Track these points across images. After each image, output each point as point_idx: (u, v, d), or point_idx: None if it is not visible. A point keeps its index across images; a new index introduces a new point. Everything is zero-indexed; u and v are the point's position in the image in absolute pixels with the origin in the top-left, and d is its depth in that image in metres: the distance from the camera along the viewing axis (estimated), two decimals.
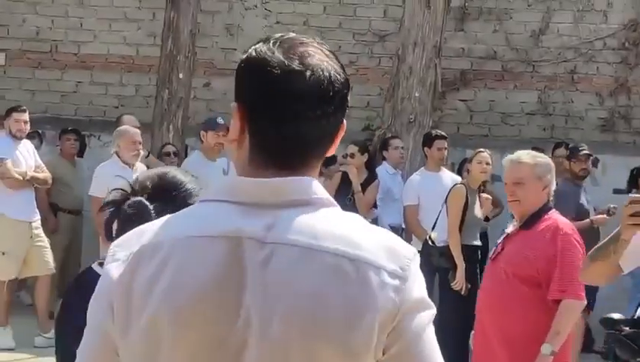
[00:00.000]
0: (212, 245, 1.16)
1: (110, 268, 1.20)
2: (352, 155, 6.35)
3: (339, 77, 1.18)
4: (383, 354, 1.15)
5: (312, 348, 1.13)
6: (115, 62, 8.76)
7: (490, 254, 3.37)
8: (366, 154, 6.41)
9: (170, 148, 6.88)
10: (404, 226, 6.38)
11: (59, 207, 7.06)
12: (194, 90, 8.13)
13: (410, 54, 7.27)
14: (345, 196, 6.14)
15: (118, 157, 5.64)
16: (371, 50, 8.71)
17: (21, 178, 6.10)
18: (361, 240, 1.16)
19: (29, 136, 6.57)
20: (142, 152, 5.77)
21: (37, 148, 6.69)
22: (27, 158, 6.26)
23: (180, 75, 7.57)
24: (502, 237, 3.40)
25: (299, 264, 1.14)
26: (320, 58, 1.18)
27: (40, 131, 7.53)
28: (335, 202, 1.21)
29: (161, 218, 1.25)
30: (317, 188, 1.20)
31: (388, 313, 1.14)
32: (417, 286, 1.18)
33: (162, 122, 7.50)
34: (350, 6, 8.73)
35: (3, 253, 5.99)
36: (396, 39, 7.84)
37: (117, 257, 1.20)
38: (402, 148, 6.68)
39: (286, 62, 1.15)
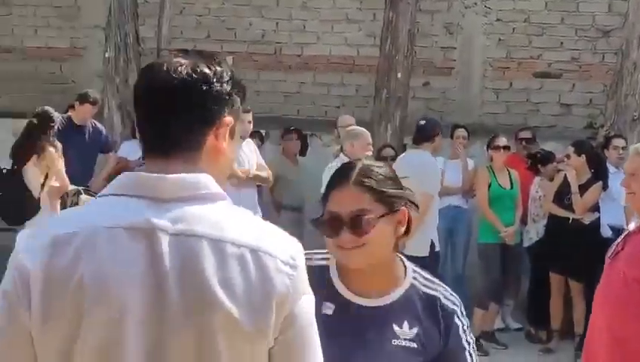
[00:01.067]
0: (127, 236, 1.39)
1: (23, 258, 1.41)
2: (568, 156, 6.73)
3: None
4: (275, 339, 1.41)
5: (221, 330, 1.38)
6: (336, 62, 9.69)
7: (609, 253, 3.28)
8: (583, 156, 6.65)
9: (388, 152, 7.09)
10: (625, 227, 6.62)
11: (282, 204, 7.62)
12: (412, 89, 8.75)
13: (635, 50, 7.60)
14: (565, 196, 6.58)
15: (346, 156, 5.92)
16: (594, 46, 9.07)
17: (244, 176, 6.42)
18: (257, 232, 1.45)
19: (250, 135, 6.99)
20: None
21: (258, 147, 7.14)
22: (250, 157, 6.68)
23: (399, 75, 8.23)
24: (622, 235, 3.33)
25: (207, 254, 1.39)
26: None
27: (262, 131, 8.31)
28: (226, 195, 1.48)
29: (70, 209, 1.53)
30: (211, 181, 1.47)
31: (283, 297, 1.42)
32: (305, 277, 1.48)
33: (380, 122, 8.19)
34: (572, 2, 9.10)
35: None
36: (620, 34, 8.19)
37: (30, 247, 1.42)
38: (622, 148, 6.86)
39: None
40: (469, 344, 2.06)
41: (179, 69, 1.48)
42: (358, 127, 6.69)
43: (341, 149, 6.36)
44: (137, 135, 1.67)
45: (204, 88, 1.49)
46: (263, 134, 8.38)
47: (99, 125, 7.78)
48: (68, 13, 10.14)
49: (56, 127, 6.38)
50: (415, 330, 2.00)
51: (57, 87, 9.93)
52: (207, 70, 1.50)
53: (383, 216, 1.99)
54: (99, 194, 1.53)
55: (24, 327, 1.40)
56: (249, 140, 6.87)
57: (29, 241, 1.44)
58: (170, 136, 1.47)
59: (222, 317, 1.39)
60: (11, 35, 10.25)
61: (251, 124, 6.79)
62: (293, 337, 1.45)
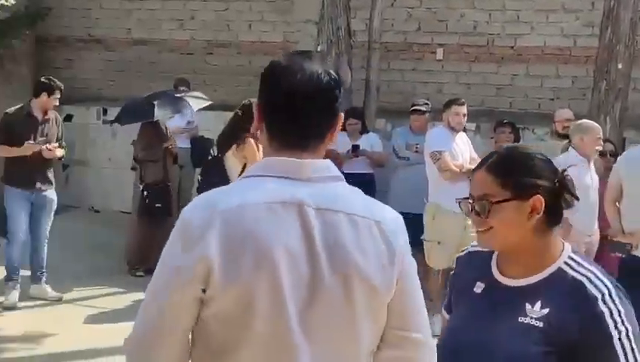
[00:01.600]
0: (285, 209, 1.81)
1: (199, 234, 1.78)
2: None
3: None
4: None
5: (359, 290, 1.83)
6: (551, 54, 9.69)
7: None
8: None
9: (607, 147, 6.96)
10: None
11: None
12: (634, 80, 8.66)
13: None
14: None
15: (575, 150, 6.14)
16: None
17: (457, 170, 6.71)
18: (374, 207, 1.92)
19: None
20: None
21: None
22: (463, 150, 6.94)
23: (619, 65, 8.16)
24: None
25: (345, 226, 1.82)
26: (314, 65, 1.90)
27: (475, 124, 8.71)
28: (343, 176, 1.92)
29: (226, 186, 1.89)
30: (334, 167, 1.92)
31: (399, 256, 1.89)
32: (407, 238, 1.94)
33: (599, 114, 8.09)
34: None
35: (438, 243, 6.74)
36: None
37: (201, 221, 1.79)
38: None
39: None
40: (619, 332, 2.00)
41: (315, 76, 1.86)
42: (588, 121, 6.70)
43: (569, 143, 6.37)
44: (272, 128, 1.93)
45: (333, 95, 1.89)
46: (473, 128, 8.56)
47: None
48: (282, 8, 10.80)
49: None
50: (546, 311, 2.08)
51: None
52: (333, 78, 1.89)
53: (504, 201, 2.13)
54: (245, 174, 1.92)
55: (197, 296, 1.80)
56: (462, 133, 7.10)
57: (200, 219, 1.81)
58: (306, 133, 1.88)
59: (362, 280, 1.84)
60: (227, 30, 11.07)
61: (465, 117, 7.05)
62: (405, 285, 1.92)
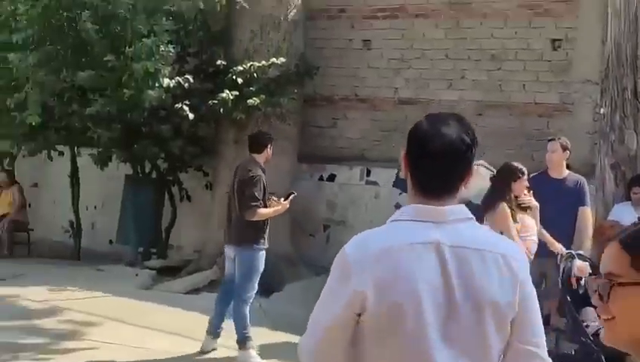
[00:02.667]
0: (425, 248, 2.20)
1: (356, 267, 2.20)
2: None
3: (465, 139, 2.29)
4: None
5: (488, 313, 2.19)
6: None
7: None
8: None
9: None
10: None
11: None
12: None
13: None
14: None
15: None
16: None
17: None
18: (499, 241, 2.33)
19: None
20: None
21: None
22: None
23: None
24: None
25: (477, 261, 2.16)
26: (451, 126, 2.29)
27: None
28: (472, 216, 2.30)
29: (379, 228, 2.29)
30: (466, 209, 2.29)
31: (521, 281, 2.24)
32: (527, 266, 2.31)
33: None
34: None
35: None
36: None
37: (357, 257, 2.22)
38: None
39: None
40: None
41: (452, 142, 2.26)
42: None
43: None
44: (418, 181, 2.35)
45: (466, 155, 2.29)
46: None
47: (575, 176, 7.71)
48: (558, 67, 10.17)
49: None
50: None
51: (541, 144, 10.00)
52: (466, 143, 2.29)
53: (633, 284, 1.70)
54: (393, 218, 2.33)
55: (354, 313, 2.21)
56: None
57: (356, 255, 2.25)
58: (443, 185, 2.28)
59: (489, 306, 2.20)
60: (499, 91, 10.58)
61: None
62: (526, 304, 2.27)
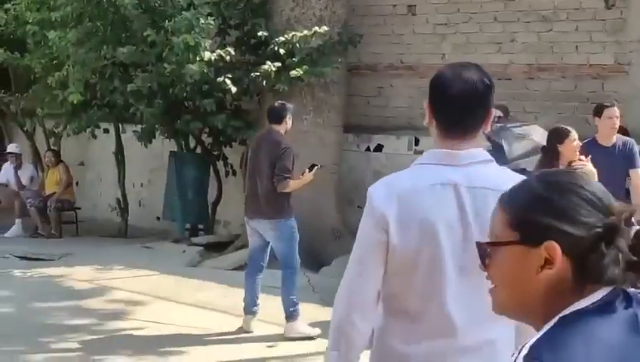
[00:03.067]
0: (444, 189, 2.37)
1: (381, 206, 2.39)
2: None
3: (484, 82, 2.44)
4: None
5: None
6: None
7: None
8: None
9: None
10: None
11: None
12: None
13: None
14: None
15: None
16: None
17: None
18: (514, 181, 1.84)
19: None
20: None
21: None
22: None
23: None
24: None
25: (492, 200, 1.83)
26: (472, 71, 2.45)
27: None
28: (492, 158, 2.48)
29: (402, 172, 2.47)
30: (485, 152, 2.48)
31: None
32: None
33: None
34: None
35: None
36: None
37: (382, 197, 2.41)
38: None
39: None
40: None
41: (473, 84, 2.40)
42: None
43: None
44: (439, 123, 2.51)
45: (486, 97, 2.44)
46: None
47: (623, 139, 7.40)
48: (613, 27, 9.78)
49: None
50: None
51: None
52: (486, 84, 2.43)
53: (505, 244, 1.57)
54: (416, 162, 2.51)
55: (384, 248, 2.41)
56: None
57: (381, 195, 2.43)
58: (467, 126, 2.43)
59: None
60: (550, 53, 10.22)
61: None
62: None
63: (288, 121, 7.44)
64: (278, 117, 7.41)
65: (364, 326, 2.51)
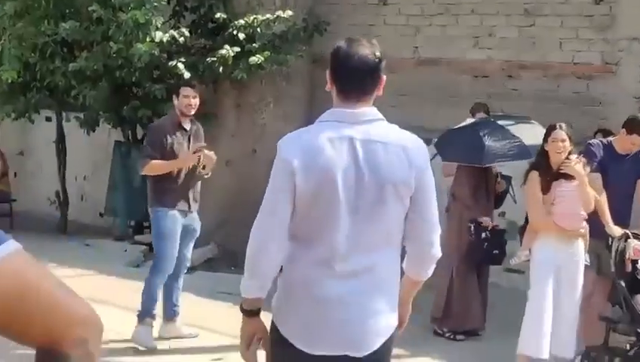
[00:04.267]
0: (341, 142, 2.89)
1: (288, 156, 2.89)
2: None
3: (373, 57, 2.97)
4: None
5: (389, 190, 2.90)
6: None
7: None
8: None
9: None
10: None
11: None
12: None
13: None
14: None
15: None
16: None
17: None
18: (403, 136, 2.97)
19: None
20: None
21: None
22: None
23: None
24: None
25: (381, 151, 2.88)
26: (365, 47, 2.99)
27: None
28: (383, 117, 3.01)
29: (307, 127, 3.01)
30: (376, 111, 3.01)
31: (418, 168, 2.93)
32: (427, 158, 3.02)
33: None
34: None
35: None
36: None
37: (289, 149, 2.91)
38: None
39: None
40: None
41: (366, 57, 2.95)
42: None
43: None
44: (338, 88, 2.99)
45: (377, 67, 2.99)
46: None
47: None
48: (601, 23, 9.11)
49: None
50: None
51: (581, 109, 9.03)
52: (377, 57, 2.98)
53: None
54: (319, 120, 3.01)
55: (292, 190, 2.90)
56: None
57: (288, 147, 2.93)
58: (360, 92, 2.96)
59: (390, 185, 2.91)
60: (532, 50, 9.54)
61: None
62: (422, 186, 2.95)
63: (178, 100, 6.56)
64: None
65: (277, 254, 2.95)
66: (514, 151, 7.24)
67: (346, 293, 2.93)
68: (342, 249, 2.91)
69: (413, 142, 2.97)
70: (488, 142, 7.12)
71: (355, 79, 2.95)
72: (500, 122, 7.69)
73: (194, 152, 6.48)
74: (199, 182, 6.66)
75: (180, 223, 6.50)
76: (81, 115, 10.31)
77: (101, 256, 9.47)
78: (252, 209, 8.97)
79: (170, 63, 9.22)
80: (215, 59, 9.27)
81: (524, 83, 9.57)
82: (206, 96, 10.21)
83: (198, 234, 6.73)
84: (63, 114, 11.58)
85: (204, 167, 6.55)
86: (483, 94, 9.63)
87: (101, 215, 12.20)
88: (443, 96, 10.04)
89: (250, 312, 3.05)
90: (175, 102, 6.53)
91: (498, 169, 7.73)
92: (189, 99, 6.49)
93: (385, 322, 2.99)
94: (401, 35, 10.36)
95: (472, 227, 7.25)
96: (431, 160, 8.05)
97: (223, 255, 9.54)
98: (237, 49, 9.20)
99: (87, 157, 12.33)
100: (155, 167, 6.38)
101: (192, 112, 6.51)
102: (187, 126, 6.56)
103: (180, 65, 9.22)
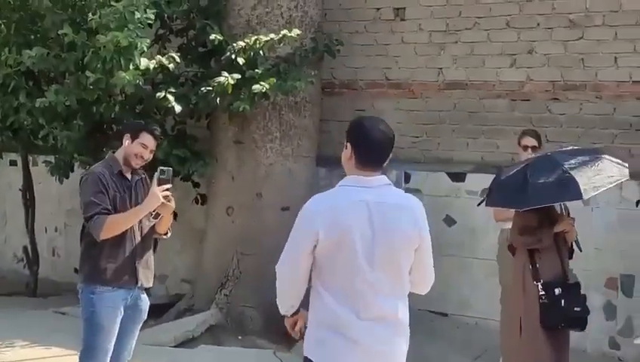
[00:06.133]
0: (359, 204, 3.34)
1: (314, 214, 3.35)
2: None
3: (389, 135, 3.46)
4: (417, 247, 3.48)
5: (398, 243, 3.40)
6: None
7: None
8: None
9: None
10: None
11: None
12: None
13: None
14: None
15: None
16: None
17: None
18: (409, 200, 3.50)
19: None
20: None
21: None
22: None
23: None
24: None
25: (394, 212, 3.38)
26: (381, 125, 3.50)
27: None
28: (391, 183, 3.48)
29: (329, 191, 3.43)
30: (385, 178, 3.47)
31: (420, 225, 3.47)
32: (424, 217, 3.50)
33: None
34: None
35: None
36: None
37: (316, 208, 3.37)
38: None
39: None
40: None
41: (383, 133, 3.43)
42: None
43: None
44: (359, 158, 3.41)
45: (390, 142, 3.47)
46: None
47: None
48: None
49: None
50: None
51: None
52: (391, 133, 3.47)
53: None
54: (340, 184, 3.44)
55: (313, 243, 3.34)
56: None
57: (315, 205, 3.39)
58: (375, 162, 3.43)
59: (400, 237, 3.39)
60: (581, 68, 8.20)
61: None
62: (423, 240, 3.47)
63: (127, 143, 5.00)
64: (119, 136, 5.21)
65: (299, 291, 3.47)
66: (562, 190, 5.76)
67: (371, 340, 3.39)
68: (363, 295, 3.38)
69: (416, 203, 3.52)
70: (533, 180, 5.67)
71: (375, 152, 3.44)
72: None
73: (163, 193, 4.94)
74: (151, 249, 5.10)
75: (121, 308, 4.95)
76: (52, 159, 8.81)
77: (80, 328, 7.93)
78: (259, 263, 7.52)
79: (157, 95, 7.77)
80: (211, 88, 7.83)
81: (571, 106, 8.23)
82: (200, 133, 8.86)
83: (145, 316, 5.13)
84: (30, 157, 10.10)
85: (156, 216, 5.02)
86: (523, 121, 8.31)
87: (76, 271, 10.67)
88: (474, 124, 8.70)
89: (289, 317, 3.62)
90: (126, 144, 4.97)
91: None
92: (146, 152, 5.00)
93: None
94: (422, 55, 9.01)
95: (540, 286, 5.85)
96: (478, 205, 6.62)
97: (228, 321, 8.06)
98: (237, 76, 7.77)
99: (59, 207, 10.84)
100: (118, 222, 4.82)
101: (138, 167, 5.04)
102: (129, 176, 5.04)
103: (170, 97, 7.77)
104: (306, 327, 3.53)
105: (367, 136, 3.41)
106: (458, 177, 8.60)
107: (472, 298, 8.44)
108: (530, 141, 6.96)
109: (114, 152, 5.10)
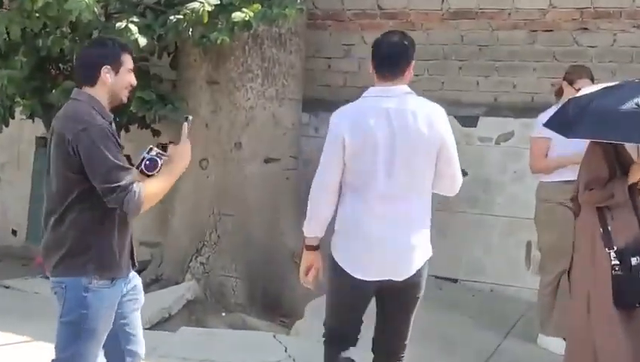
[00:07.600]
0: (380, 111, 3.87)
1: (340, 122, 3.89)
2: None
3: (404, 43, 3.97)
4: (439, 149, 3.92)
5: (417, 147, 3.86)
6: None
7: None
8: None
9: None
10: None
11: None
12: None
13: None
14: None
15: None
16: None
17: None
18: (427, 105, 3.93)
19: None
20: None
21: None
22: None
23: None
24: None
25: (411, 117, 3.84)
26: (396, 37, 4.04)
27: None
28: (413, 92, 3.95)
29: (354, 102, 3.97)
30: (406, 87, 3.95)
31: (442, 129, 3.91)
32: (447, 120, 3.98)
33: None
34: None
35: None
36: None
37: (340, 119, 3.91)
38: None
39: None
40: None
41: (396, 44, 3.92)
42: None
43: None
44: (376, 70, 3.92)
45: (406, 52, 3.92)
46: None
47: None
48: None
49: None
50: None
51: None
52: (406, 44, 3.93)
53: None
54: (363, 95, 3.94)
55: (342, 151, 3.84)
56: None
57: (340, 117, 3.89)
58: (392, 73, 3.88)
59: (419, 139, 3.80)
60: None
61: None
62: (445, 144, 3.86)
63: (107, 76, 3.67)
64: (88, 70, 3.77)
65: (331, 205, 3.93)
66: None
67: (385, 231, 3.86)
68: (381, 194, 3.84)
69: (435, 107, 3.92)
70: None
71: (386, 62, 3.91)
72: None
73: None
74: None
75: (117, 304, 3.77)
76: None
77: (27, 305, 6.69)
78: (239, 225, 6.22)
79: (117, 25, 6.44)
80: (182, 16, 6.52)
81: (604, 37, 7.18)
82: (165, 71, 7.61)
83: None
84: None
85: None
86: (545, 55, 7.25)
87: (14, 233, 9.42)
88: (486, 60, 7.60)
89: (310, 247, 4.02)
90: (110, 80, 3.68)
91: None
92: (133, 77, 3.77)
93: (417, 254, 3.92)
94: None
95: (613, 254, 4.76)
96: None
97: (207, 294, 6.89)
98: (214, 1, 6.47)
99: None
100: (157, 193, 3.58)
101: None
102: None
103: (133, 27, 6.44)
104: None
105: (379, 47, 3.97)
106: (468, 121, 7.52)
107: (485, 261, 7.43)
108: (586, 83, 5.74)
109: (86, 89, 3.75)
